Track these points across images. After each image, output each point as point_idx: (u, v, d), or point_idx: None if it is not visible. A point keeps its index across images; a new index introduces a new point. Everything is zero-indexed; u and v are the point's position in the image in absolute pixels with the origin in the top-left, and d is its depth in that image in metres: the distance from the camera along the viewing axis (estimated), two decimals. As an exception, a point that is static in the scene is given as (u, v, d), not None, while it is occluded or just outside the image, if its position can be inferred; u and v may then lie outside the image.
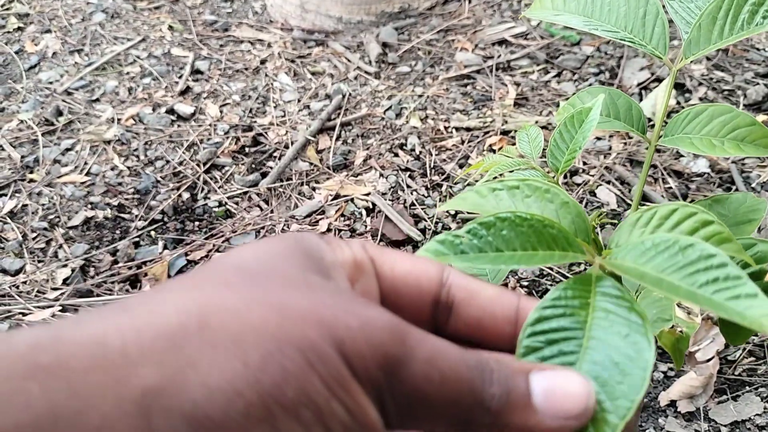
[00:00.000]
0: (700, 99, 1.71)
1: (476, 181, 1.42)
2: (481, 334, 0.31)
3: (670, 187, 1.48)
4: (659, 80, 1.76)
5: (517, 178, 0.44)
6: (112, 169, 1.62)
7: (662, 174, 1.51)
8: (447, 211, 1.46)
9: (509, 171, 0.61)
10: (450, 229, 1.37)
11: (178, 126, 1.73)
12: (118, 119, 1.75)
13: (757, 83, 1.72)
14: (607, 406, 0.27)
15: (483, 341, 0.31)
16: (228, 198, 1.53)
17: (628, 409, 0.27)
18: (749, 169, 1.51)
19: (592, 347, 0.29)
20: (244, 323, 0.23)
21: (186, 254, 1.40)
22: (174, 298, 0.24)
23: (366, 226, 1.44)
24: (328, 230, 1.42)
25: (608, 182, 1.51)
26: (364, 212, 1.47)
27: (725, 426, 1.07)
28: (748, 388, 1.12)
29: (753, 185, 1.47)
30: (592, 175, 1.52)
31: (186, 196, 1.54)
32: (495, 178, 0.60)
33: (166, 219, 1.50)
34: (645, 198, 1.44)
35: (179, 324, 0.22)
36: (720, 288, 0.29)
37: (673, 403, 1.11)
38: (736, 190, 1.45)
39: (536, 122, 1.68)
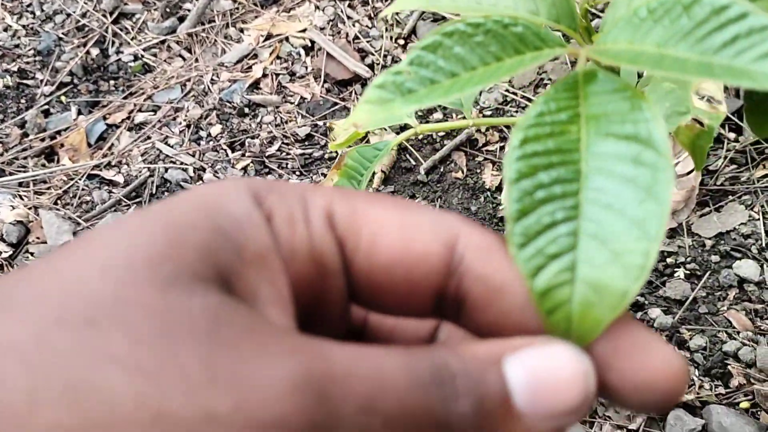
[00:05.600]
0: None
1: None
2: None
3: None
4: None
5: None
6: (5, 29, 1.41)
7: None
8: (396, 42, 1.31)
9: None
10: (401, 61, 1.22)
11: (75, -28, 1.49)
12: (3, -29, 1.50)
13: None
14: (614, 267, 0.21)
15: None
16: (144, 50, 1.34)
17: (643, 263, 0.21)
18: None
19: (591, 169, 0.23)
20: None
21: (104, 118, 1.24)
22: None
23: (307, 68, 1.28)
24: (264, 76, 1.26)
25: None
26: (302, 51, 1.31)
27: (709, 239, 1.01)
28: (731, 197, 1.05)
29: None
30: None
31: (95, 52, 1.36)
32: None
33: (76, 81, 1.33)
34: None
35: None
36: (741, 48, 0.24)
37: (654, 222, 1.04)
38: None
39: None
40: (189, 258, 0.17)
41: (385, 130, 1.08)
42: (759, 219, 1.03)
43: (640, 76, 0.61)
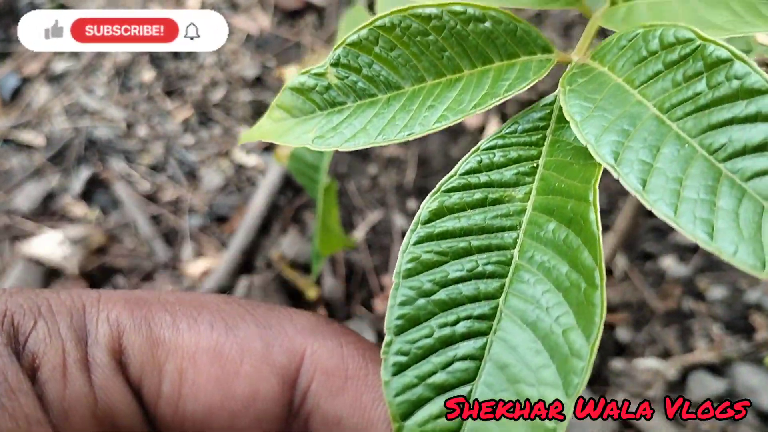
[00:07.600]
0: None
1: None
2: None
3: None
4: None
5: None
6: None
7: None
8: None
9: None
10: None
11: None
12: None
13: None
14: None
15: None
16: (61, -13, 1.16)
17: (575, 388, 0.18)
18: None
19: (525, 262, 0.18)
20: None
21: (18, 69, 1.07)
22: None
23: (251, -2, 1.12)
24: (203, 7, 1.09)
25: None
26: (245, -20, 1.14)
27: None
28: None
29: None
30: None
31: (5, -7, 1.16)
32: None
33: (-17, 28, 1.13)
34: None
35: None
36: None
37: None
38: None
39: None
40: None
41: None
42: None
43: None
